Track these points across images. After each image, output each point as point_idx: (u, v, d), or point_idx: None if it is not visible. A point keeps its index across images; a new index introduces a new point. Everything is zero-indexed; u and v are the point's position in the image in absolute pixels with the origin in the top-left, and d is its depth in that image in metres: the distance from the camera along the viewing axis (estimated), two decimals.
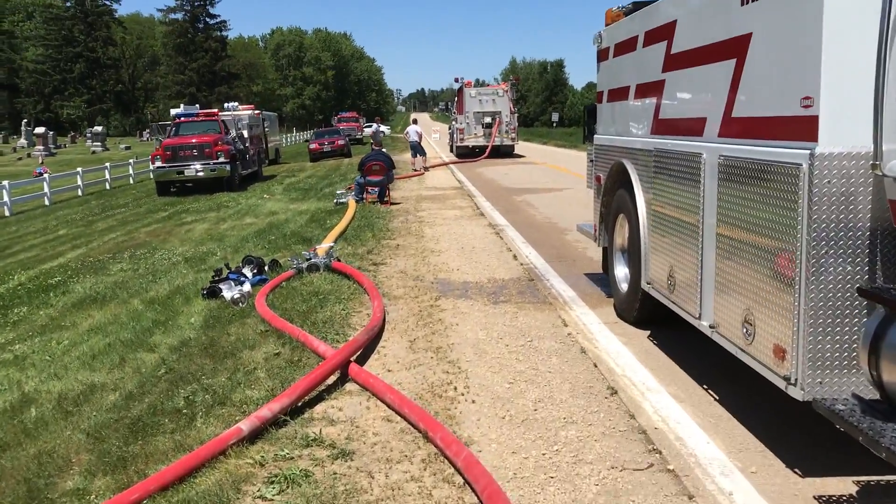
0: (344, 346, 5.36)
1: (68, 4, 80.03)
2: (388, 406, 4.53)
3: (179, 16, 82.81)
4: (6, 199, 20.35)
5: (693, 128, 4.68)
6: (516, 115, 33.13)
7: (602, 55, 6.98)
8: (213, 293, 7.60)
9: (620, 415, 4.39)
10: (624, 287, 6.36)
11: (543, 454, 3.91)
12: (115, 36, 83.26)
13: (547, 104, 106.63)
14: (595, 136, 7.16)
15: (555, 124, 68.90)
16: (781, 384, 3.50)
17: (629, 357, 5.46)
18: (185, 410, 4.63)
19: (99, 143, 50.66)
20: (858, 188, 3.25)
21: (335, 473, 3.74)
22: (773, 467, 3.73)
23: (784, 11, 3.59)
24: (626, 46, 6.21)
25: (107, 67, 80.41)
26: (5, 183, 20.77)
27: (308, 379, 4.67)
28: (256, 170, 25.92)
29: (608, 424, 4.25)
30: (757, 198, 3.72)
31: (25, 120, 58.05)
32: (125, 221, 16.30)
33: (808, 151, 3.29)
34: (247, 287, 7.55)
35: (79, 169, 25.47)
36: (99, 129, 54.48)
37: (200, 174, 20.99)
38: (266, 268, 8.64)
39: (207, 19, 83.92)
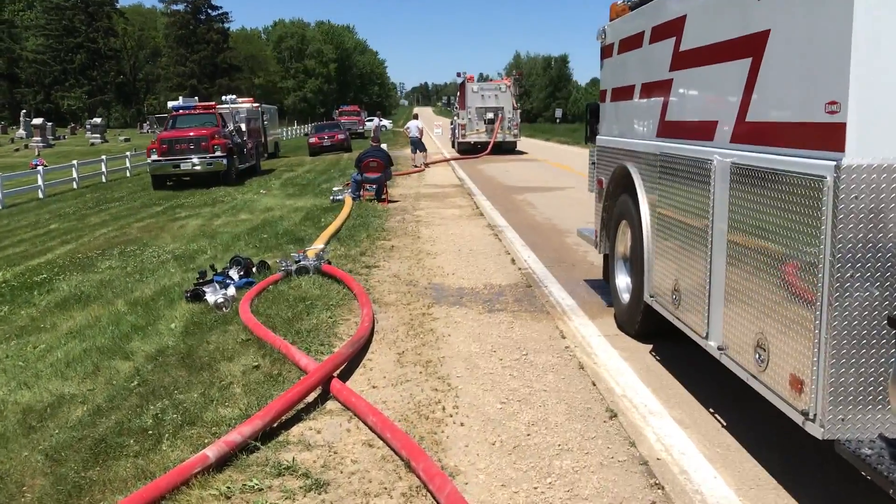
0: (327, 360, 5.02)
1: None
2: (370, 429, 4.20)
3: (181, 7, 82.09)
4: None
5: (703, 131, 4.33)
6: (519, 110, 32.66)
7: (606, 52, 6.61)
8: (196, 296, 7.28)
9: (620, 442, 4.06)
10: (625, 298, 6.01)
11: (535, 488, 3.58)
12: (117, 27, 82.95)
13: (551, 100, 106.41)
14: (597, 136, 6.81)
15: (558, 120, 68.51)
16: (798, 419, 3.17)
17: (630, 375, 5.11)
18: (151, 431, 4.30)
19: (98, 135, 50.36)
20: (890, 204, 2.89)
21: None
22: None
23: (808, 6, 3.24)
24: (631, 43, 5.84)
25: (108, 58, 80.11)
26: None
27: (284, 398, 4.33)
28: (254, 164, 25.54)
29: (606, 453, 3.92)
30: (773, 212, 3.37)
31: (25, 111, 57.70)
32: (118, 216, 15.98)
33: (834, 163, 2.94)
34: (231, 291, 7.23)
35: (74, 161, 25.14)
36: (98, 120, 54.11)
37: (197, 168, 20.70)
38: (254, 269, 8.33)
39: (209, 11, 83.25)
